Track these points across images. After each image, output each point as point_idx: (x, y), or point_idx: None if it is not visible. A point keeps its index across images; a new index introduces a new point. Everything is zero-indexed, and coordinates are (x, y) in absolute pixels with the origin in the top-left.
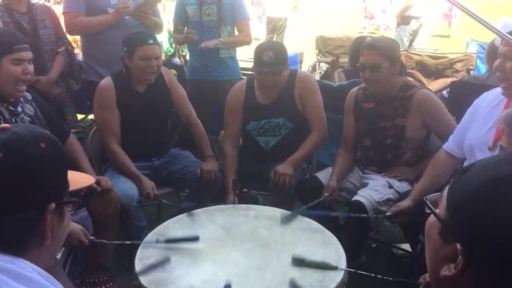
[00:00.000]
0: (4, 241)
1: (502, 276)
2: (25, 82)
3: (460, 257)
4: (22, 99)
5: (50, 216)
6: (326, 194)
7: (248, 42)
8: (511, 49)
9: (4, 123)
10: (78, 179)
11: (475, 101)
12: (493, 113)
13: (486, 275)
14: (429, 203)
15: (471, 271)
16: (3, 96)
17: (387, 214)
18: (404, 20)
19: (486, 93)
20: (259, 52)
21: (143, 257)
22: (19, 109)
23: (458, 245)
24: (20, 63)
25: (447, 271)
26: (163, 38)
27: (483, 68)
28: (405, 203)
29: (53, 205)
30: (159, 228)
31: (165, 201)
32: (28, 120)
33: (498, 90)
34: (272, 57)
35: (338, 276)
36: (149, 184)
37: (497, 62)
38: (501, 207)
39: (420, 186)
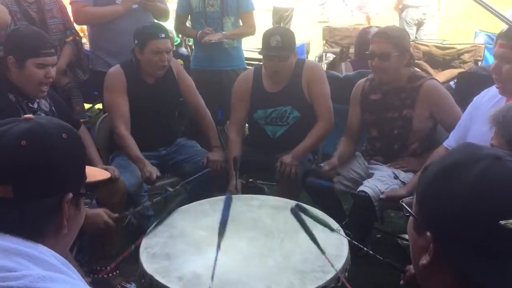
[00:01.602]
0: (23, 227)
1: (465, 252)
2: (47, 84)
3: (431, 244)
4: None
5: (67, 206)
6: (327, 168)
7: (252, 33)
8: (508, 51)
9: None
10: (94, 173)
11: (474, 99)
12: None
13: (453, 255)
14: (404, 204)
15: (442, 256)
16: (25, 93)
17: (381, 197)
18: (402, 10)
19: (486, 90)
20: (267, 37)
21: (147, 246)
22: (36, 105)
23: (428, 233)
24: (43, 67)
25: (424, 260)
26: (171, 27)
27: (491, 59)
28: (400, 191)
29: (70, 195)
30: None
31: (169, 189)
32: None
33: None
34: (280, 42)
35: (339, 262)
36: (151, 167)
37: (493, 64)
38: (452, 189)
39: (416, 178)
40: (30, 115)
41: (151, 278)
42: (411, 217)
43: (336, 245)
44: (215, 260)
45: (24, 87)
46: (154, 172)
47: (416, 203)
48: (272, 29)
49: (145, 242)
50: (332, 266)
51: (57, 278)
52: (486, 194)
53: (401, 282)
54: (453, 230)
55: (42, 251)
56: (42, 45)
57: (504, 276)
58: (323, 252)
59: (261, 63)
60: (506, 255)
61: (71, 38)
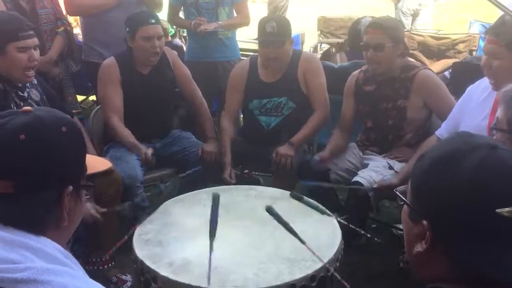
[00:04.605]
0: (24, 221)
1: (462, 241)
2: (33, 68)
3: (427, 232)
4: (29, 84)
5: (68, 199)
6: (317, 158)
7: (247, 23)
8: (495, 47)
9: (15, 107)
10: (96, 163)
11: (468, 89)
12: (486, 102)
13: (451, 244)
14: (398, 193)
15: (439, 244)
16: (12, 81)
17: (373, 186)
18: (398, 0)
19: (479, 81)
20: (263, 23)
21: (141, 233)
22: (26, 94)
23: (424, 222)
24: (25, 51)
25: (419, 247)
26: (164, 18)
27: None
28: (392, 180)
29: (70, 187)
30: (161, 208)
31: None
32: (35, 105)
33: None
34: (276, 28)
35: (331, 251)
36: (145, 148)
37: (483, 59)
38: (449, 180)
39: (407, 167)
40: (29, 108)
41: (142, 263)
42: (405, 206)
43: (328, 235)
44: (209, 261)
45: (9, 74)
46: (149, 151)
47: (412, 192)
48: (268, 17)
49: (139, 229)
50: (313, 253)
51: (61, 271)
52: (484, 185)
53: (401, 264)
54: (451, 219)
55: (45, 244)
56: (21, 28)
57: (501, 264)
58: (303, 242)
59: (257, 53)
60: (503, 243)
61: (62, 28)
